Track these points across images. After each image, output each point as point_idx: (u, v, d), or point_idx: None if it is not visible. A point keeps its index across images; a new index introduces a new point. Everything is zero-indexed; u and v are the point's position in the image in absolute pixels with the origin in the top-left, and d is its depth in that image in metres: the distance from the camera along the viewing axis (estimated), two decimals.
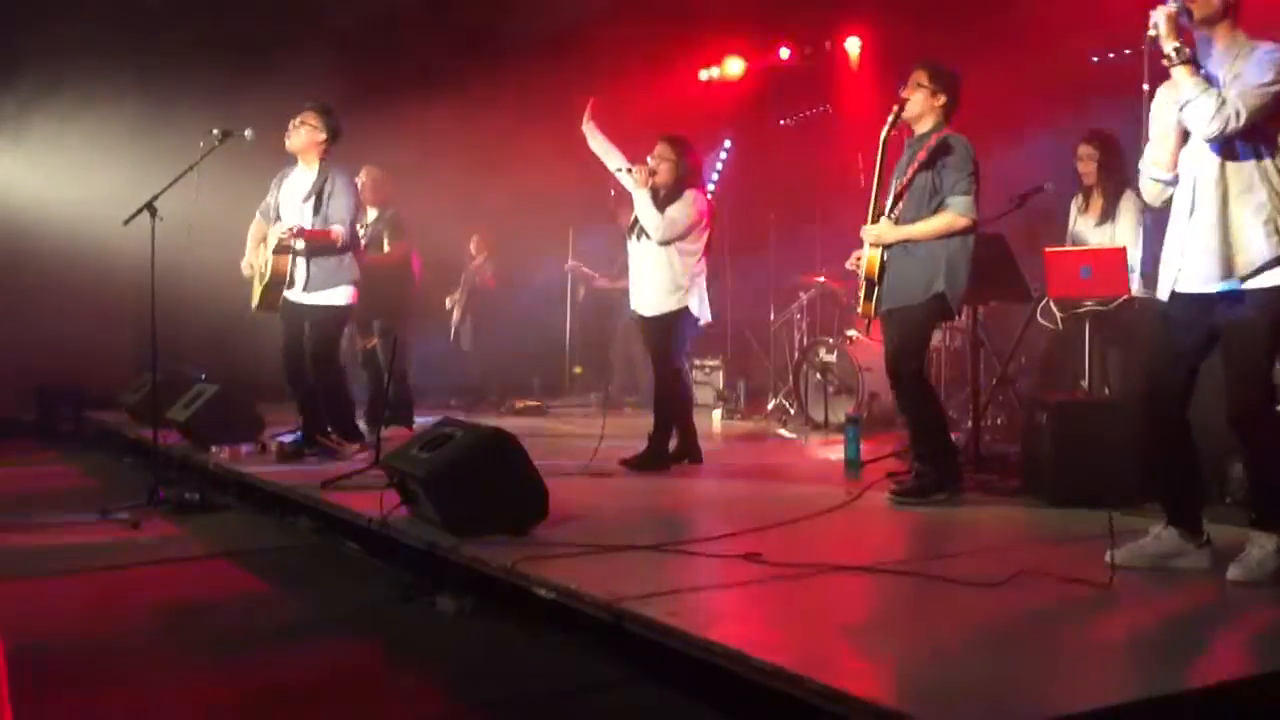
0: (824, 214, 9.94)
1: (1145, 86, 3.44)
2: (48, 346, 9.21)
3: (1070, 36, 7.08)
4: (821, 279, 8.73)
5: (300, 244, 6.12)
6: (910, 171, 4.79)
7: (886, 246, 4.80)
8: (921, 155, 4.75)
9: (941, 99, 4.82)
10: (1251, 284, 3.33)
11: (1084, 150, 6.24)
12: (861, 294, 4.92)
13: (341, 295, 6.29)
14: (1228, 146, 3.36)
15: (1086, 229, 6.20)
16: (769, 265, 10.41)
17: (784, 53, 10.12)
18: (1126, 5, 3.45)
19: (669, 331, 5.86)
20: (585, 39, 8.90)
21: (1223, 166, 3.38)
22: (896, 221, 4.79)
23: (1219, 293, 3.38)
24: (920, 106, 4.82)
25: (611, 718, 2.90)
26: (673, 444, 5.99)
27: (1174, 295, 3.52)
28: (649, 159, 5.85)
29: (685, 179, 5.83)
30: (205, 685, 3.09)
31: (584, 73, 8.17)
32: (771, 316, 10.01)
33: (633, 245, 5.99)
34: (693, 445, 6.06)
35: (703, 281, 5.87)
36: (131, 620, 3.76)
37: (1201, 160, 3.43)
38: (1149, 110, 3.54)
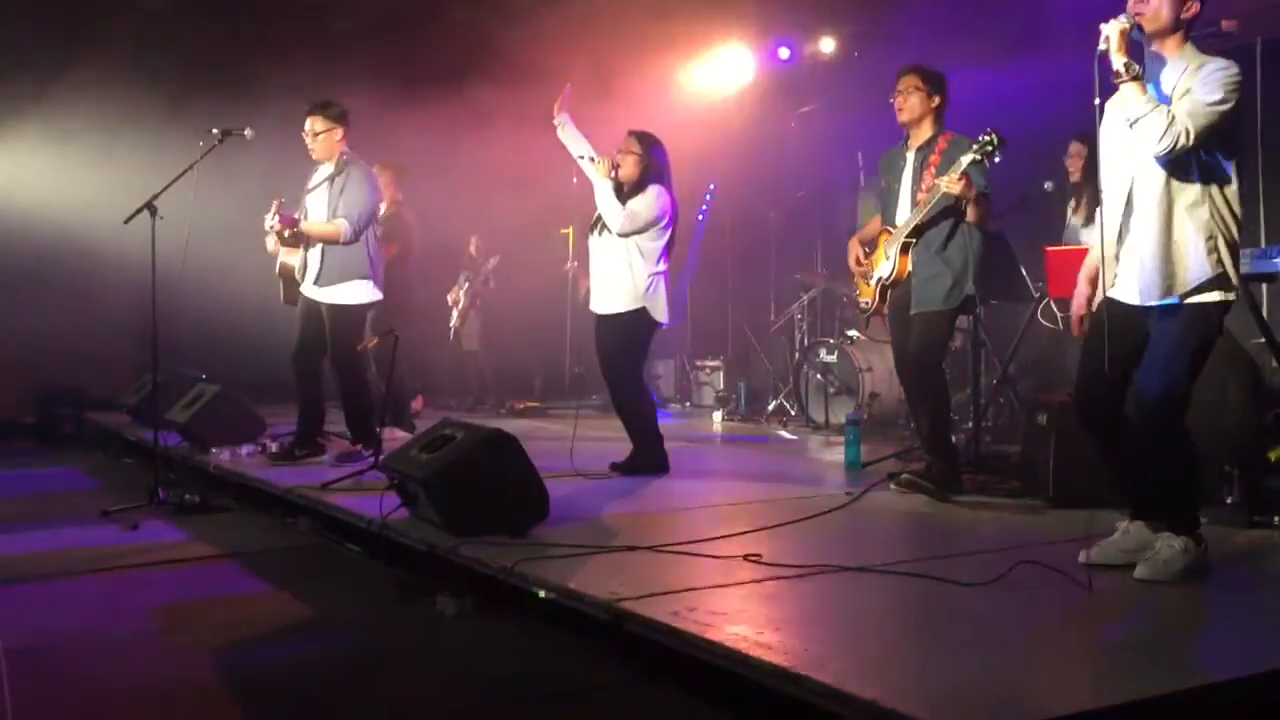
0: (824, 214, 9.95)
1: (1096, 101, 3.37)
2: (48, 347, 9.22)
3: (1067, 35, 7.07)
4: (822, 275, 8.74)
5: (274, 222, 5.95)
6: (928, 177, 4.81)
7: (915, 246, 4.85)
8: (935, 159, 4.78)
9: (936, 100, 4.90)
10: (1189, 300, 3.33)
11: (1074, 148, 6.25)
12: (875, 292, 5.01)
13: (356, 291, 6.11)
14: (1176, 162, 3.31)
15: (1078, 227, 6.20)
16: (769, 265, 10.41)
17: (784, 52, 10.11)
18: (1121, 5, 3.41)
19: (624, 332, 5.68)
20: (581, 38, 8.89)
21: (1168, 181, 3.33)
22: (921, 229, 4.83)
23: (1156, 306, 3.38)
24: (919, 110, 4.88)
25: (611, 718, 2.90)
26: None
27: (1108, 301, 3.48)
28: (616, 152, 5.71)
29: (650, 174, 5.65)
30: (205, 685, 3.09)
31: (582, 67, 8.17)
32: (772, 316, 10.01)
33: (593, 241, 5.82)
34: (659, 452, 5.80)
35: (662, 282, 5.68)
36: (131, 620, 3.76)
37: (1143, 170, 3.38)
38: (1100, 125, 3.49)
